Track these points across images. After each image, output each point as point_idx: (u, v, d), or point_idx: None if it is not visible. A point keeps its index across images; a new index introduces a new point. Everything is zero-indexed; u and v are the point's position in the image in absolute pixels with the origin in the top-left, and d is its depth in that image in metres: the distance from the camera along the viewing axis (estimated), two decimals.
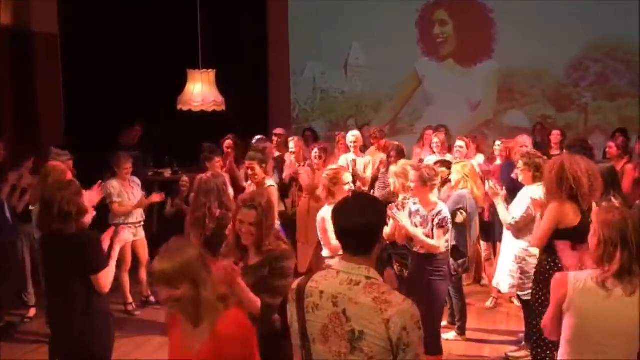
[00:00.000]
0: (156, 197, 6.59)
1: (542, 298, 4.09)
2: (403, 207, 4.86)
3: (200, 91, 6.49)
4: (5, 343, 5.51)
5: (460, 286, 5.72)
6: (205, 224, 4.74)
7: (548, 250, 4.21)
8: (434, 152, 7.54)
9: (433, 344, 4.65)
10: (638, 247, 2.58)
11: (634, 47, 9.70)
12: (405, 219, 4.68)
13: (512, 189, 5.55)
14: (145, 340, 5.70)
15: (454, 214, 5.10)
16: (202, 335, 2.40)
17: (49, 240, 3.77)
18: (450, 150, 7.34)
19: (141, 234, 6.53)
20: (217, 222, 4.80)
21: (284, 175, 7.21)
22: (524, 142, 6.95)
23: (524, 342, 5.28)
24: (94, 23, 9.05)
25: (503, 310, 6.34)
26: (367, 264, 2.27)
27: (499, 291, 5.81)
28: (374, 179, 7.34)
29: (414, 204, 4.83)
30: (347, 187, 4.66)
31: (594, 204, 4.12)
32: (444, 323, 5.37)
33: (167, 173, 8.79)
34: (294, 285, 2.42)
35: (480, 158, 7.55)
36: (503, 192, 5.27)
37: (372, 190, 7.16)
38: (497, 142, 7.23)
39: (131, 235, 6.34)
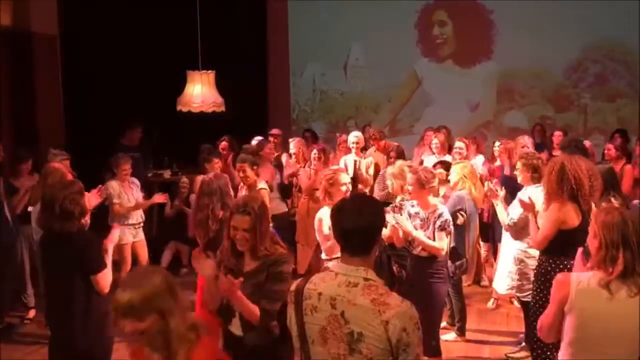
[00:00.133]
0: (159, 198, 6.59)
1: (543, 299, 4.09)
2: (401, 209, 4.86)
3: (200, 92, 6.49)
4: (4, 344, 5.51)
5: (460, 287, 5.72)
6: (208, 225, 4.73)
7: (549, 251, 4.21)
8: (433, 153, 7.55)
9: (432, 346, 4.65)
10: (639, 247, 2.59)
11: (633, 48, 9.71)
12: (408, 224, 4.66)
13: (512, 190, 5.56)
14: None
15: (453, 216, 5.09)
16: None
17: (49, 240, 3.77)
18: (450, 151, 7.34)
19: (141, 235, 6.52)
20: (220, 224, 4.79)
21: (284, 176, 7.21)
22: (525, 143, 6.94)
23: (523, 343, 5.28)
24: (93, 24, 9.04)
25: (503, 311, 6.34)
26: (365, 265, 2.28)
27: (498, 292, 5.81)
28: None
29: (412, 206, 4.81)
30: (344, 188, 4.60)
31: (592, 205, 4.12)
32: (443, 324, 5.37)
33: (167, 174, 8.79)
34: (293, 287, 2.42)
35: (480, 159, 7.55)
36: (502, 192, 5.27)
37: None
38: (497, 143, 7.23)
39: (131, 236, 6.34)
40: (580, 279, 2.68)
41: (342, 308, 2.21)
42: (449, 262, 4.98)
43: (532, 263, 4.80)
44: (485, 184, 5.45)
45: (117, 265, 5.21)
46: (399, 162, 5.77)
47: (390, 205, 4.90)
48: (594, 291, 2.61)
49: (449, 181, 5.77)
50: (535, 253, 4.67)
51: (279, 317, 3.05)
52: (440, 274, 4.71)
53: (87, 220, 3.96)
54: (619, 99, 10.19)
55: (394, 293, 2.26)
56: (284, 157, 7.73)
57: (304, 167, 7.25)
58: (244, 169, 5.81)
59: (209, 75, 6.58)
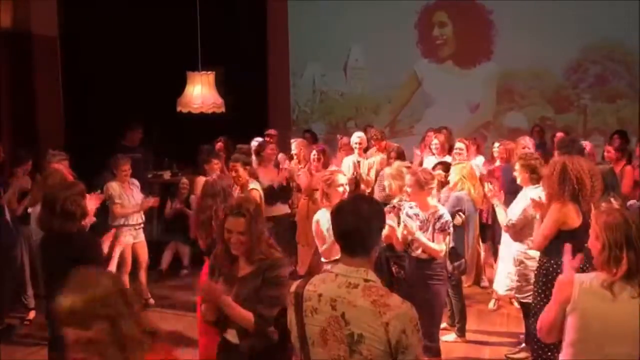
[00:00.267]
0: (149, 202, 6.53)
1: (545, 300, 4.08)
2: (399, 210, 4.85)
3: (200, 93, 6.49)
4: (4, 345, 5.51)
5: (460, 288, 5.72)
6: (211, 226, 4.71)
7: (549, 252, 4.21)
8: (433, 154, 7.55)
9: (432, 347, 4.65)
10: None
11: (633, 49, 9.71)
12: (412, 224, 4.64)
13: (513, 191, 5.56)
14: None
15: (452, 216, 5.10)
16: None
17: (50, 241, 3.78)
18: (450, 151, 7.34)
19: (141, 236, 6.53)
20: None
21: (287, 177, 7.20)
22: (526, 144, 6.94)
23: (524, 344, 5.28)
24: (93, 25, 9.04)
25: (503, 312, 6.34)
26: (365, 266, 2.27)
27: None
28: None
29: (411, 207, 4.80)
30: (341, 189, 4.58)
31: (591, 206, 4.12)
32: (443, 325, 5.37)
33: (167, 175, 8.79)
34: (292, 288, 2.41)
35: (480, 160, 7.55)
36: (502, 193, 5.27)
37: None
38: (496, 144, 7.23)
39: (131, 237, 6.34)
40: (583, 279, 2.68)
41: (343, 309, 2.21)
42: (448, 263, 4.99)
43: (532, 264, 4.80)
44: (485, 185, 5.45)
45: (117, 266, 5.21)
46: (397, 163, 5.77)
47: (388, 205, 4.89)
48: (597, 292, 2.61)
49: (448, 182, 5.77)
50: (535, 254, 4.67)
51: (277, 323, 2.98)
52: (440, 275, 4.71)
53: (87, 221, 3.96)
54: (619, 100, 10.19)
55: (394, 294, 2.26)
56: (281, 157, 7.71)
57: (304, 167, 7.25)
58: (237, 169, 5.79)
59: (209, 76, 6.58)
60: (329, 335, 2.24)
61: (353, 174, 7.27)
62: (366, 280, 2.24)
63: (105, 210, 6.17)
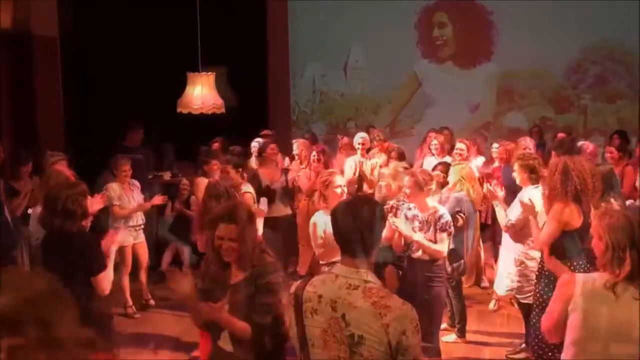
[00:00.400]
0: (157, 200, 6.58)
1: (547, 300, 4.08)
2: (397, 210, 4.85)
3: (200, 94, 6.48)
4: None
5: (460, 288, 5.71)
6: None
7: (551, 252, 4.21)
8: (433, 155, 7.55)
9: (432, 349, 4.64)
10: None
11: (633, 49, 9.71)
12: (407, 228, 4.63)
13: (513, 192, 5.56)
14: (145, 343, 5.70)
15: (452, 217, 5.09)
16: None
17: (50, 240, 3.78)
18: (450, 152, 7.34)
19: (141, 237, 6.53)
20: None
21: (289, 178, 7.20)
22: (527, 144, 6.93)
23: (524, 345, 5.28)
24: (93, 25, 9.05)
25: (503, 312, 6.33)
26: (365, 267, 2.27)
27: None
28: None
29: (409, 209, 4.77)
30: (339, 190, 4.55)
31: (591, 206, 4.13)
32: (443, 325, 5.36)
33: (167, 176, 8.78)
34: (292, 289, 2.41)
35: (480, 160, 7.55)
36: (502, 193, 5.27)
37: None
38: (494, 145, 7.22)
39: (131, 238, 6.34)
40: (585, 279, 2.69)
41: (343, 311, 2.21)
42: (447, 264, 4.98)
43: (533, 264, 4.81)
44: (485, 185, 5.45)
45: (117, 267, 5.21)
46: (393, 163, 5.77)
47: (385, 206, 4.87)
48: (599, 292, 2.61)
49: (447, 183, 5.77)
50: (536, 254, 4.67)
51: (271, 330, 2.94)
52: (440, 277, 4.70)
53: (88, 222, 3.96)
54: (619, 100, 10.20)
55: (394, 295, 2.26)
56: (277, 158, 7.70)
57: (306, 168, 7.26)
58: (228, 171, 5.74)
59: (209, 77, 6.58)
60: (329, 337, 2.24)
61: (355, 174, 7.27)
62: (366, 282, 2.24)
63: (105, 211, 6.17)
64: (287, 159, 7.75)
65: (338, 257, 2.40)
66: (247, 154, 7.63)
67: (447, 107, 10.49)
